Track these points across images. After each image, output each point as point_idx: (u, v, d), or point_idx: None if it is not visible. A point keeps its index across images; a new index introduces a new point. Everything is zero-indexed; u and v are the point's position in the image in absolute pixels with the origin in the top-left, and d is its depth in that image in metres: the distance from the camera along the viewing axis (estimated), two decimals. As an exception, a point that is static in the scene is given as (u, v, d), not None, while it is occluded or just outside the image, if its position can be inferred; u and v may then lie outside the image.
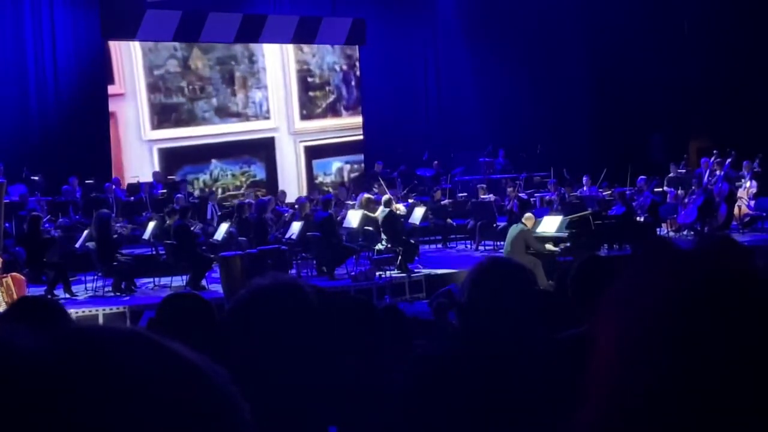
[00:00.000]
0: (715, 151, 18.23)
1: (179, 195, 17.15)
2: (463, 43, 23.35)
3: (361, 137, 23.07)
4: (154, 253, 14.66)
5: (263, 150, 21.86)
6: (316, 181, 22.43)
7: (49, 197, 16.59)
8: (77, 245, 13.92)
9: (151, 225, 14.55)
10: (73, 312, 11.25)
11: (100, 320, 11.44)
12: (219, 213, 17.00)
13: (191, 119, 21.02)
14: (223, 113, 21.39)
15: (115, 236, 13.90)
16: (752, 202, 17.66)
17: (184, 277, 13.57)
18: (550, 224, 14.64)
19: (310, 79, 22.63)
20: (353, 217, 15.62)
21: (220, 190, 20.65)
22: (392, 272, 14.15)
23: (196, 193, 19.25)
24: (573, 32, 23.28)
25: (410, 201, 17.30)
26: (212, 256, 13.64)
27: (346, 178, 22.74)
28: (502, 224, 16.11)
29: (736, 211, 17.45)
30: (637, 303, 0.81)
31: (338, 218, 15.72)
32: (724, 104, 21.22)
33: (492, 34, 22.89)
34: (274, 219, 16.03)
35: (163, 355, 0.68)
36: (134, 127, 20.25)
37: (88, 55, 19.33)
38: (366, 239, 15.31)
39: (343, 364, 2.25)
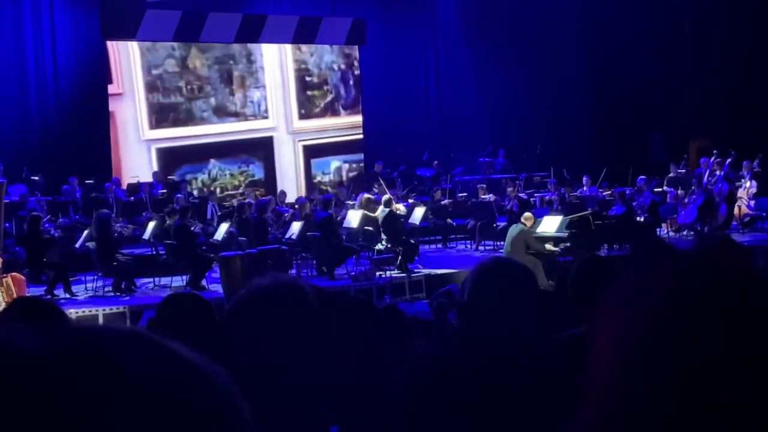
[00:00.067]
0: (715, 151, 18.22)
1: (179, 195, 17.15)
2: (463, 43, 23.34)
3: (360, 136, 23.07)
4: (154, 253, 14.66)
5: (262, 149, 21.86)
6: (315, 181, 22.43)
7: (49, 197, 16.59)
8: (77, 245, 13.91)
9: (151, 225, 14.55)
10: (73, 312, 11.27)
11: (100, 320, 11.43)
12: (219, 213, 17.00)
13: (189, 119, 21.01)
14: (222, 113, 21.38)
15: (115, 236, 13.90)
16: (752, 202, 17.66)
17: (184, 277, 13.58)
18: (550, 224, 14.64)
19: (308, 79, 22.63)
20: (353, 217, 15.62)
21: (218, 190, 20.63)
22: (392, 272, 14.15)
23: (195, 192, 19.24)
24: (573, 32, 23.28)
25: (410, 201, 17.30)
26: (212, 256, 13.64)
27: (344, 177, 22.74)
28: (502, 224, 16.12)
29: (736, 211, 17.45)
30: (637, 303, 0.81)
31: (338, 218, 15.72)
32: (724, 104, 21.22)
33: (492, 34, 22.89)
34: (274, 219, 16.03)
35: (163, 355, 0.68)
36: (132, 127, 20.24)
37: (88, 55, 19.33)
38: (366, 239, 15.31)
39: (343, 364, 2.24)
